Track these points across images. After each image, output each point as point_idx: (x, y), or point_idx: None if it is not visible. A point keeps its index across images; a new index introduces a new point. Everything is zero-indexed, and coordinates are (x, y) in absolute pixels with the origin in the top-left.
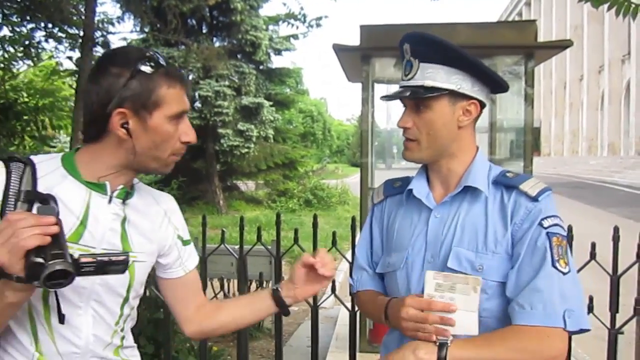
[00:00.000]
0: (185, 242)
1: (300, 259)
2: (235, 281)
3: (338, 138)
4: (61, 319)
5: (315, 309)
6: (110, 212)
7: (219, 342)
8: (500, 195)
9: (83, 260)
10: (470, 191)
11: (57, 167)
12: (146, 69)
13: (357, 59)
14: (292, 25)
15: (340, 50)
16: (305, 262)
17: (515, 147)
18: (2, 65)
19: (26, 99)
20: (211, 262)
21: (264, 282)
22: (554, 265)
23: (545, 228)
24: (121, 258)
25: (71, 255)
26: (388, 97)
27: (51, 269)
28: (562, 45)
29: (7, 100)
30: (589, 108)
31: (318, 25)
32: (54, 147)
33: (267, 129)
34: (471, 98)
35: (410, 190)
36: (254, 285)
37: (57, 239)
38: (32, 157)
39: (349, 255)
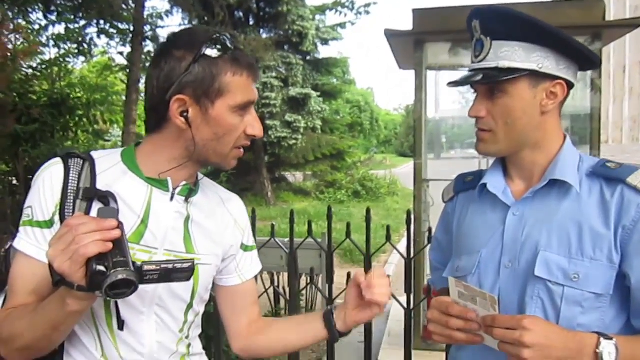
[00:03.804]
0: (246, 248)
1: (352, 278)
2: (286, 275)
3: (385, 128)
4: (120, 325)
5: None
6: (172, 211)
7: None
8: (600, 190)
9: (146, 268)
10: (557, 185)
11: (117, 163)
12: (211, 52)
13: (409, 45)
14: (341, 13)
15: (392, 35)
16: (355, 282)
17: (578, 134)
18: (58, 61)
19: (79, 94)
20: (261, 255)
21: (315, 277)
22: None
23: None
24: (186, 265)
25: (134, 263)
26: (456, 83)
27: (114, 278)
28: (633, 24)
29: (61, 96)
30: None
31: (367, 12)
32: (108, 141)
33: (315, 120)
34: (556, 78)
35: (484, 184)
36: (304, 279)
37: (120, 245)
38: (92, 152)
39: (403, 249)
